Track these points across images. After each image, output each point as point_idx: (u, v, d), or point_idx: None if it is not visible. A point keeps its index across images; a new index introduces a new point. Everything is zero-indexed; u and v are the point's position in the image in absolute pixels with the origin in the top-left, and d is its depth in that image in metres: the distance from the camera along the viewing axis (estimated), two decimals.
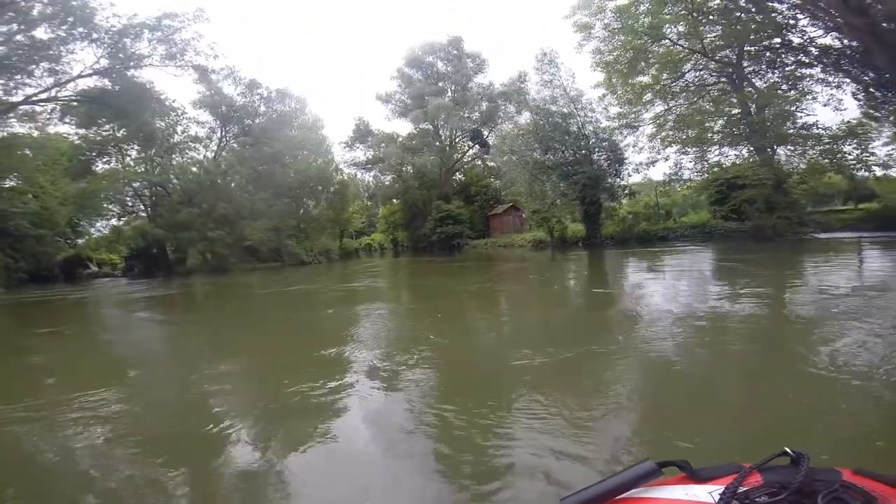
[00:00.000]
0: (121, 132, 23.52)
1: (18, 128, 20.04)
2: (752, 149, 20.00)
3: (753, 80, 19.87)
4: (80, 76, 18.86)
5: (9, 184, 20.37)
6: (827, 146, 18.45)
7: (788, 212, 17.71)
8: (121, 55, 19.07)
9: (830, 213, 20.69)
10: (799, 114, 18.77)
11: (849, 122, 18.09)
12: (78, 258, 27.04)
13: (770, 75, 19.38)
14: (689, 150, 21.05)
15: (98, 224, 27.63)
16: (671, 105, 20.99)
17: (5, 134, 19.08)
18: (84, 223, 26.80)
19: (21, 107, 18.99)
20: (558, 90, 22.71)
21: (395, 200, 36.51)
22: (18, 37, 16.73)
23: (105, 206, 25.17)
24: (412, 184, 33.80)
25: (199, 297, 14.25)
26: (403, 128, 35.80)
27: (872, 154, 18.32)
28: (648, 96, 21.08)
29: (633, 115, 21.32)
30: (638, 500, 0.57)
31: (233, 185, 26.00)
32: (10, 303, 14.25)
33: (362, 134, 35.44)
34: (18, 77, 17.66)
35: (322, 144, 36.99)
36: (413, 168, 32.70)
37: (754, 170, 18.61)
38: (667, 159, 21.52)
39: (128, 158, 25.97)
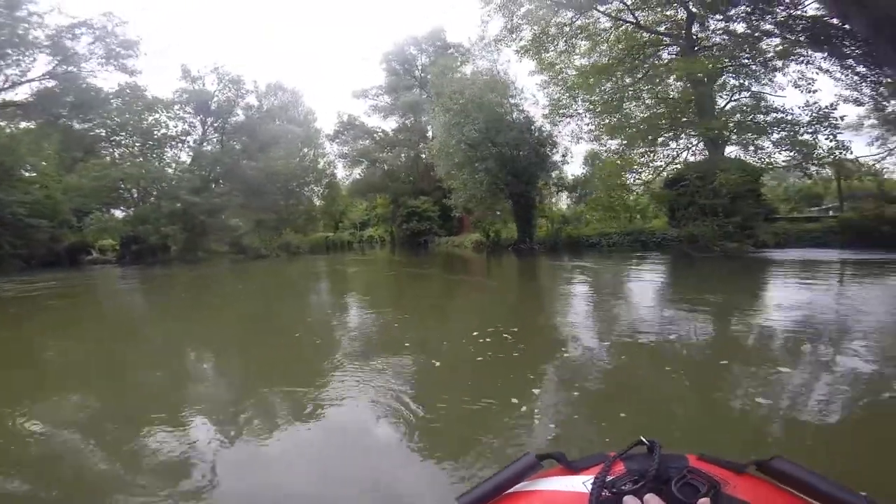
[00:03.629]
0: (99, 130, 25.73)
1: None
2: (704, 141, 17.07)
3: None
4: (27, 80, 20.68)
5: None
6: (785, 134, 15.29)
7: (724, 219, 14.88)
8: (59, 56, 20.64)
9: (797, 222, 17.01)
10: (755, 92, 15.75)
11: (815, 103, 14.83)
12: (82, 245, 30.18)
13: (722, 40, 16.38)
14: (629, 141, 18.24)
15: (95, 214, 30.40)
16: (606, 87, 18.08)
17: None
18: (85, 212, 29.78)
19: None
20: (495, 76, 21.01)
21: (378, 196, 36.29)
22: None
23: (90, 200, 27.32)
24: (393, 178, 33.33)
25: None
26: (387, 123, 35.27)
27: (846, 148, 14.89)
28: (591, 80, 18.53)
29: (570, 101, 18.85)
30: (525, 494, 0.61)
31: (198, 182, 27.17)
32: None
33: (345, 128, 35.50)
34: None
35: (314, 138, 37.72)
36: (387, 163, 32.15)
37: (692, 165, 15.90)
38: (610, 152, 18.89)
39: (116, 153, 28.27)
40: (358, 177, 36.29)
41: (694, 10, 16.85)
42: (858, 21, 14.47)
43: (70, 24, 20.82)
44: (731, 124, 16.05)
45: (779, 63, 16.53)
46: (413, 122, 32.78)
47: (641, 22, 17.56)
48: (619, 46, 18.54)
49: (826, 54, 15.66)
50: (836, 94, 15.82)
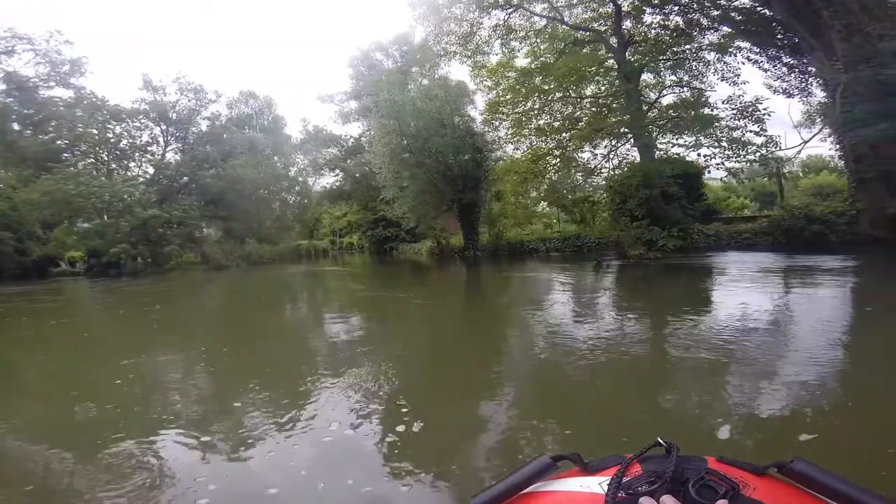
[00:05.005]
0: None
1: None
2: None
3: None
4: None
5: None
6: (713, 130, 15.15)
7: (645, 223, 14.69)
8: None
9: (734, 223, 16.74)
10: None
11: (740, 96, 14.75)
12: (48, 257, 30.33)
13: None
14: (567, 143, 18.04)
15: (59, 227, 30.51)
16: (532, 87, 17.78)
17: None
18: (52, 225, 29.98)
19: None
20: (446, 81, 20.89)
21: (348, 203, 36.22)
22: None
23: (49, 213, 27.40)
24: (362, 185, 33.24)
25: None
26: (353, 129, 35.19)
27: (775, 143, 14.74)
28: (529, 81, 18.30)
29: (505, 103, 18.60)
30: (540, 494, 0.61)
31: (157, 194, 27.21)
32: None
33: (311, 136, 35.47)
34: None
35: (285, 145, 37.66)
36: (356, 171, 32.06)
37: (635, 166, 15.73)
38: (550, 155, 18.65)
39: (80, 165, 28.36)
40: (327, 184, 36.30)
41: (625, 5, 16.74)
42: (778, 7, 14.36)
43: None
44: (659, 122, 15.89)
45: (712, 56, 16.46)
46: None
47: (572, 21, 17.42)
48: (546, 46, 18.46)
49: (754, 45, 15.56)
50: (765, 85, 15.75)
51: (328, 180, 36.98)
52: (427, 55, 23.10)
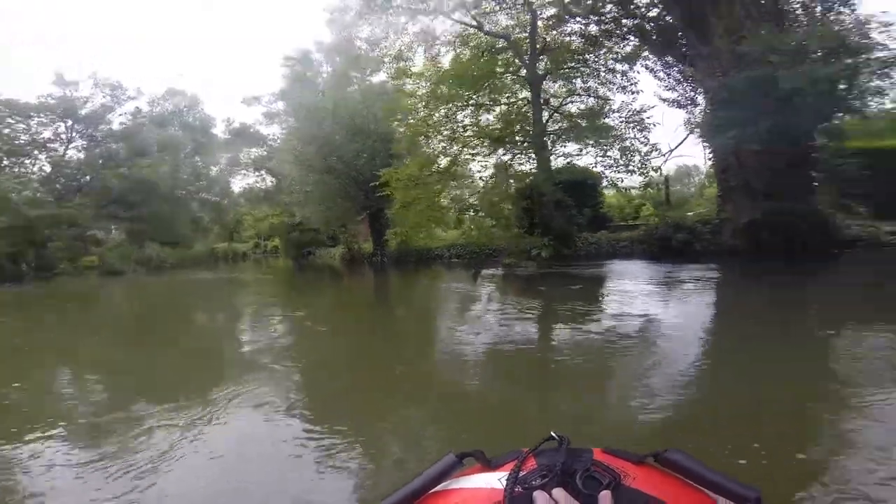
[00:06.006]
0: None
1: None
2: None
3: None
4: None
5: None
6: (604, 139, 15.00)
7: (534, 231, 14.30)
8: None
9: (619, 230, 16.54)
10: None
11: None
12: None
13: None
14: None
15: None
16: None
17: None
18: None
19: None
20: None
21: (269, 205, 34.82)
22: None
23: None
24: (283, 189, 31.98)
25: None
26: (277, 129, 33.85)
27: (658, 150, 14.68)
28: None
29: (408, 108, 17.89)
30: (447, 493, 0.62)
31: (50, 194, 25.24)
32: None
33: (236, 135, 34.01)
34: None
35: (208, 144, 35.94)
36: (278, 174, 30.75)
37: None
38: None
39: None
40: (248, 185, 34.89)
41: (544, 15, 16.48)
42: (675, 13, 14.27)
43: None
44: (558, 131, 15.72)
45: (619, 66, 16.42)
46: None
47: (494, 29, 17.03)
48: (466, 54, 18.00)
49: (654, 53, 15.51)
50: (656, 95, 15.83)
51: (251, 180, 35.54)
52: (362, 60, 22.14)
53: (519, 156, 17.51)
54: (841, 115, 12.83)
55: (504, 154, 17.05)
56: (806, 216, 11.88)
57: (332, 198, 20.28)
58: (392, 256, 20.03)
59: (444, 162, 16.71)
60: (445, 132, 17.07)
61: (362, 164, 20.00)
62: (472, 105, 17.00)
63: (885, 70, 10.72)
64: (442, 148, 16.70)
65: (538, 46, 16.76)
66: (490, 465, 0.64)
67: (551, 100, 17.84)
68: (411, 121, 17.34)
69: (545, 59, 17.18)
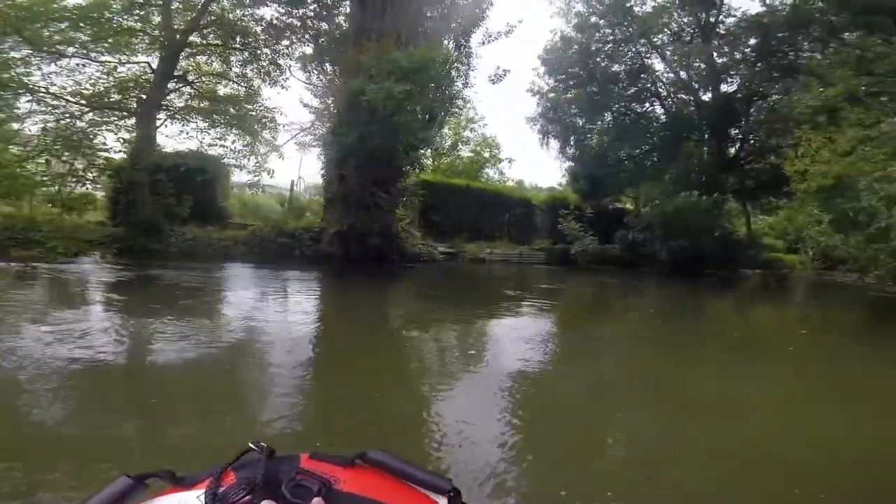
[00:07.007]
0: None
1: None
2: None
3: None
4: None
5: None
6: None
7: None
8: None
9: (231, 228, 15.09)
10: None
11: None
12: None
13: None
14: None
15: None
16: None
17: None
18: None
19: None
20: None
21: None
22: None
23: None
24: None
25: None
26: None
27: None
28: None
29: None
30: None
31: None
32: None
33: None
34: None
35: None
36: None
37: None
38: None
39: None
40: None
41: None
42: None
43: None
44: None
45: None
46: None
47: None
48: None
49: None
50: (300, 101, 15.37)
51: None
52: None
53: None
54: (424, 148, 15.84)
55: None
56: (385, 232, 13.62)
57: None
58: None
59: None
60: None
61: None
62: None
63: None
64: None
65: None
66: (182, 485, 0.55)
67: (190, 75, 14.79)
68: None
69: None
